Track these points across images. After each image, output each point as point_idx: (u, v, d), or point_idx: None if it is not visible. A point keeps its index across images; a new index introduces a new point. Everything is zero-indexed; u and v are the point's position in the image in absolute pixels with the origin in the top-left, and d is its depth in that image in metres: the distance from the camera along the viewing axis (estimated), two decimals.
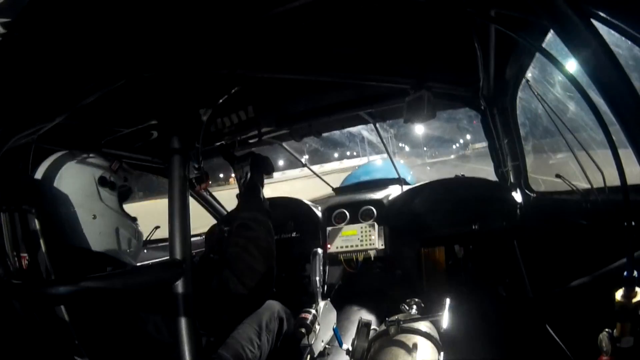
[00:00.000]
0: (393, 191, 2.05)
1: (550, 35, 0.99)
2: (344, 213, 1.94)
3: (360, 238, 1.83)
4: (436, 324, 1.50)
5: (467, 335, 1.44)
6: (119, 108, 1.10)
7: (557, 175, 1.33)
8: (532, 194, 1.63)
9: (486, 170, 1.79)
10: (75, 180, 0.89)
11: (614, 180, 0.99)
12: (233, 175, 1.21)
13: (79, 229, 0.86)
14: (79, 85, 0.81)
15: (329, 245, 1.83)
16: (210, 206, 2.27)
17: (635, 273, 0.61)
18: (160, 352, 0.78)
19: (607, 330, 0.65)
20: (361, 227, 1.85)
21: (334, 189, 2.47)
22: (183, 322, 0.68)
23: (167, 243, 0.74)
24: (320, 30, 0.94)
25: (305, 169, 2.83)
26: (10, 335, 0.61)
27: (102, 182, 0.93)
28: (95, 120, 1.13)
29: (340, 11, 0.80)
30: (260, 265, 0.88)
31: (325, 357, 1.32)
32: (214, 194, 2.34)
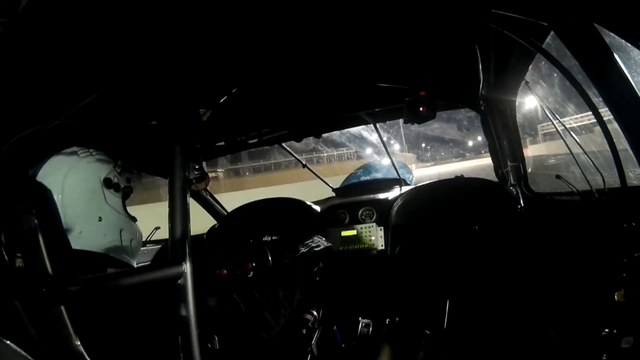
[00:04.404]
0: (393, 192, 2.05)
1: (551, 36, 0.99)
2: (344, 214, 1.94)
3: (360, 239, 1.83)
4: (437, 324, 1.50)
5: (468, 335, 1.44)
6: (119, 108, 1.09)
7: (557, 176, 1.33)
8: (531, 195, 1.63)
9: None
10: (81, 181, 0.88)
11: (613, 181, 0.99)
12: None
13: (84, 230, 0.86)
14: (79, 85, 0.81)
15: None
16: (210, 207, 2.27)
17: (635, 273, 0.62)
18: (161, 352, 0.78)
19: (607, 330, 0.65)
20: (361, 228, 1.85)
21: (333, 190, 2.46)
22: (183, 321, 0.68)
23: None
24: (321, 31, 0.94)
25: None
26: (10, 335, 0.60)
27: (107, 183, 0.92)
28: (95, 120, 1.12)
29: (340, 12, 0.80)
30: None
31: (326, 358, 1.32)
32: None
